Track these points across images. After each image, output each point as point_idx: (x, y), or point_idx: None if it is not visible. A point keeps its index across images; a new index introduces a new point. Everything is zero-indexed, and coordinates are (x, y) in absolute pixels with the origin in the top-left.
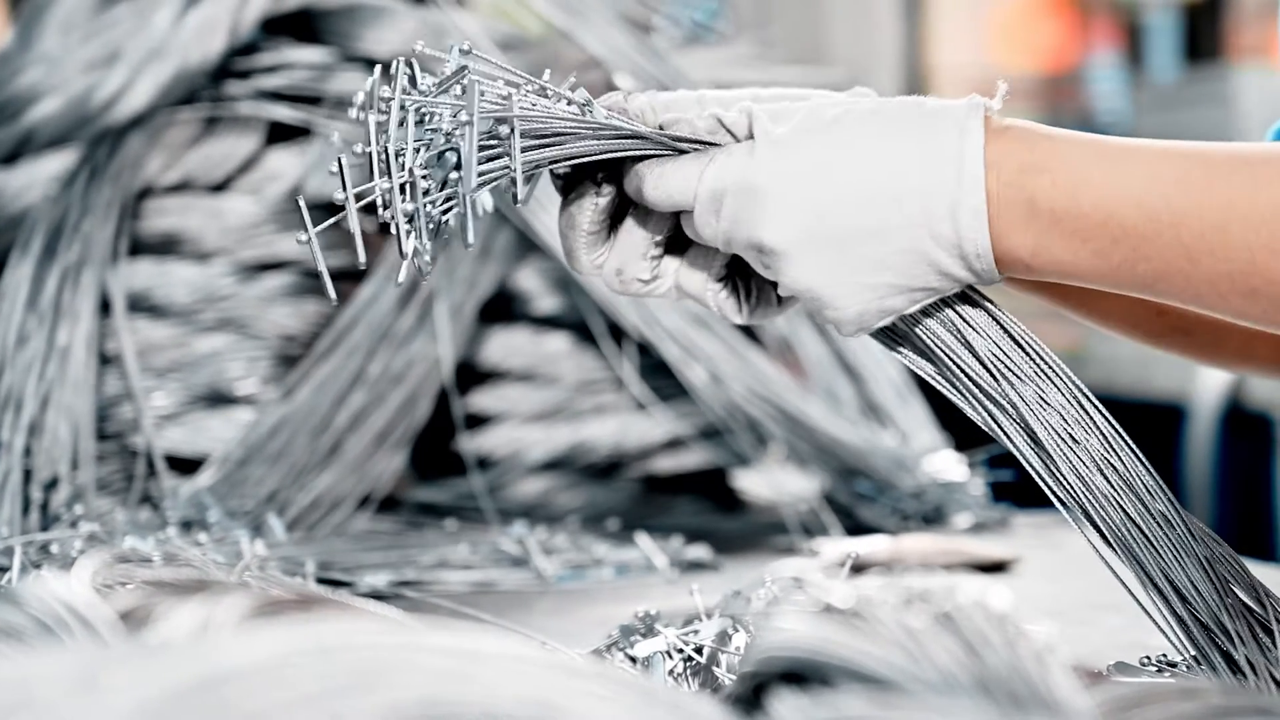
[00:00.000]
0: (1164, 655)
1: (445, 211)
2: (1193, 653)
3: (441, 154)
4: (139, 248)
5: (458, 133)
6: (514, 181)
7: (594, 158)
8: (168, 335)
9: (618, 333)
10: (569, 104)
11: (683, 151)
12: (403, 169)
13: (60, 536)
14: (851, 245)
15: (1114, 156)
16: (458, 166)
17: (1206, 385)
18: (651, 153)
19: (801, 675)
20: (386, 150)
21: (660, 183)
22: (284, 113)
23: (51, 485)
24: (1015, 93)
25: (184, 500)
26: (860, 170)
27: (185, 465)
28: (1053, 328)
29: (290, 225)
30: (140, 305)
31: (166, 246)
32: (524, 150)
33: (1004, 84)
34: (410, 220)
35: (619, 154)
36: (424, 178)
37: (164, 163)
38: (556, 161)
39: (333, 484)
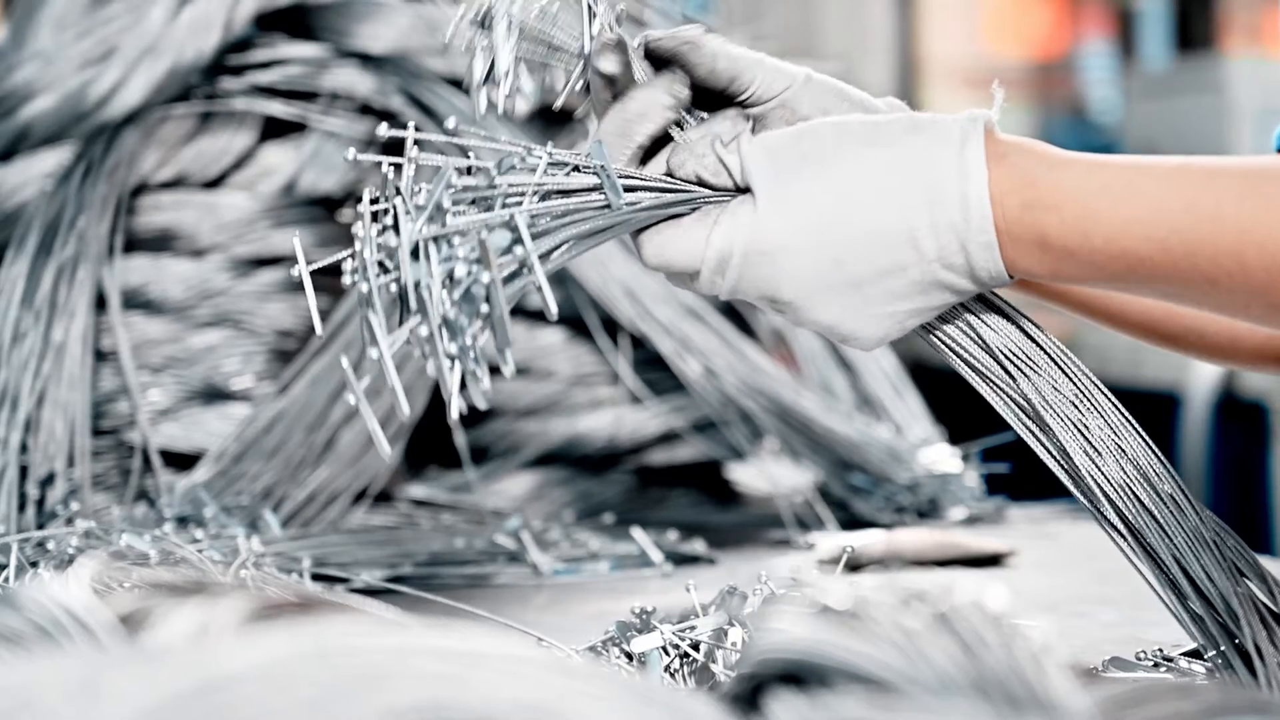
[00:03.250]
0: (1159, 650)
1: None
2: (1201, 641)
3: (468, 290)
4: (134, 244)
5: (481, 277)
6: (539, 289)
7: (607, 239)
8: (163, 331)
9: (612, 326)
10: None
11: (678, 202)
12: (417, 296)
13: (57, 534)
14: (868, 286)
15: (1119, 186)
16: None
17: (1200, 374)
18: (655, 207)
19: (799, 676)
20: (404, 286)
21: (662, 251)
22: (278, 108)
23: (48, 481)
24: (1007, 82)
25: (180, 496)
26: (869, 215)
27: (181, 460)
28: (1045, 317)
29: (284, 221)
30: (135, 301)
31: (161, 242)
32: (542, 257)
33: (1000, 91)
34: (453, 359)
35: (623, 231)
36: (455, 309)
37: (159, 159)
38: (572, 255)
39: (328, 479)
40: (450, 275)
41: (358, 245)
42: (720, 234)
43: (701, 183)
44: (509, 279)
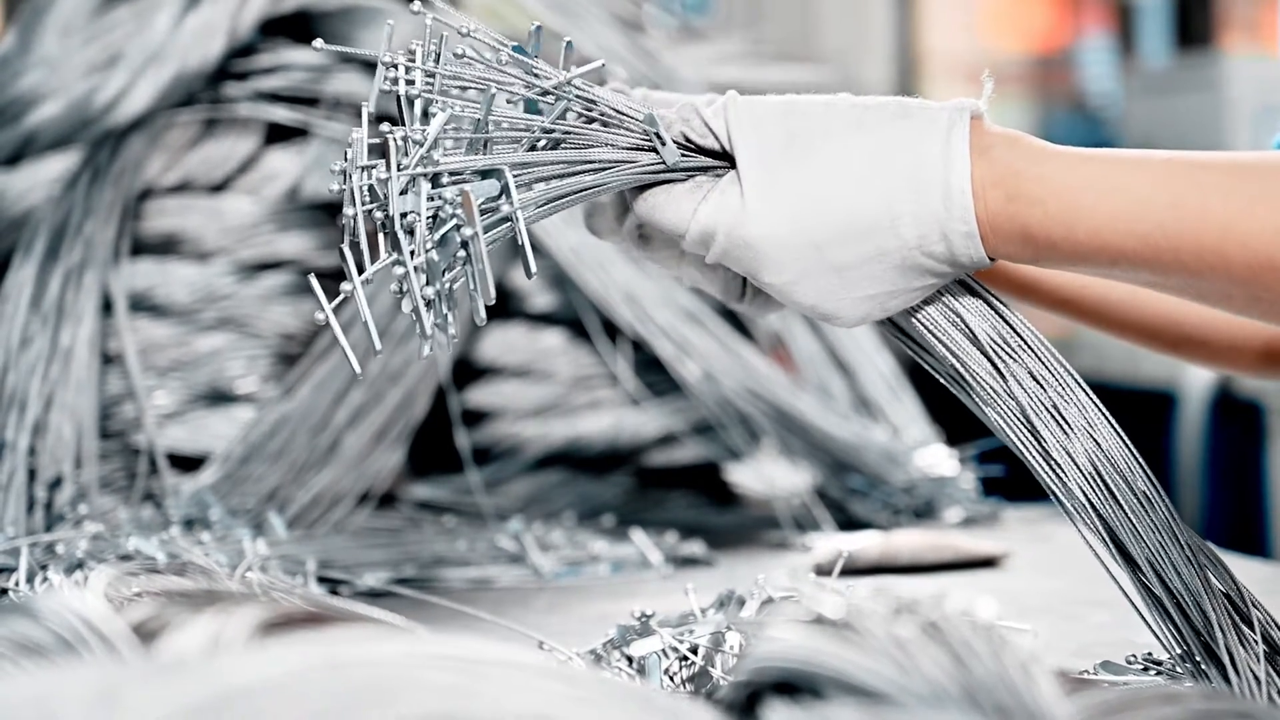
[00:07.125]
0: (1149, 654)
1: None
2: (1178, 650)
3: (447, 231)
4: (140, 248)
5: (464, 229)
6: (522, 248)
7: (592, 196)
8: (169, 334)
9: (612, 329)
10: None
11: (674, 172)
12: (410, 237)
13: (65, 536)
14: (850, 270)
15: (1103, 181)
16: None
17: (1197, 373)
18: (647, 175)
19: (794, 685)
20: (391, 220)
21: (653, 214)
22: (282, 114)
23: (56, 484)
24: (1006, 76)
25: (186, 498)
26: (852, 202)
27: (187, 463)
28: (1043, 315)
29: (288, 225)
30: (141, 305)
31: (167, 246)
32: (522, 206)
33: (989, 81)
34: (429, 303)
35: (614, 189)
36: (434, 251)
37: (164, 164)
38: (560, 208)
39: (332, 481)
40: (435, 216)
41: (346, 164)
42: (706, 212)
43: (688, 141)
44: (491, 227)
